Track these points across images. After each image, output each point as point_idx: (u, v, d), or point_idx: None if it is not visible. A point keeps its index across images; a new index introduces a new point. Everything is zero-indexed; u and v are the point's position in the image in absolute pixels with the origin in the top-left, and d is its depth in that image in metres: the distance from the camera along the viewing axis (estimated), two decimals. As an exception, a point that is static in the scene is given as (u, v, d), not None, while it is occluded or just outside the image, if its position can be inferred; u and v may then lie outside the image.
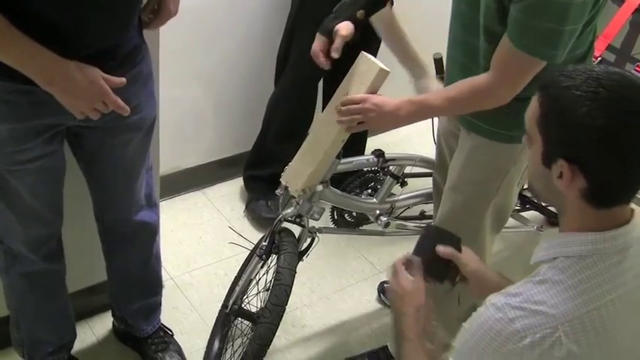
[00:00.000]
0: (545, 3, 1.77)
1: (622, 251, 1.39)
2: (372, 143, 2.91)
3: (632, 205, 1.44)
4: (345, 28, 2.08)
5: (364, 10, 2.12)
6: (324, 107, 3.05)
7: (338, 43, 2.06)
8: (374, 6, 2.18)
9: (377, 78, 2.01)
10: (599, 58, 2.76)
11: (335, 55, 2.06)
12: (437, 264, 1.78)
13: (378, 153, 2.61)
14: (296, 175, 2.24)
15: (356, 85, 2.05)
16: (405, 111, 2.05)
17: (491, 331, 1.37)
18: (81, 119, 1.89)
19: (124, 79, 1.87)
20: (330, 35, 2.09)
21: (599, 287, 1.36)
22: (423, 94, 2.15)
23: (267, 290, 2.33)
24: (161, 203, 2.79)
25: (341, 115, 2.08)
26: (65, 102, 1.81)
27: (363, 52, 2.08)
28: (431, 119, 2.59)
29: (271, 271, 2.40)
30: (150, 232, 2.41)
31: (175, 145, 3.05)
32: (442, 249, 1.77)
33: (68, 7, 1.72)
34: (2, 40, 1.69)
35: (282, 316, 2.29)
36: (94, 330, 2.71)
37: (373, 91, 2.03)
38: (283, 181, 2.29)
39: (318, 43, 2.11)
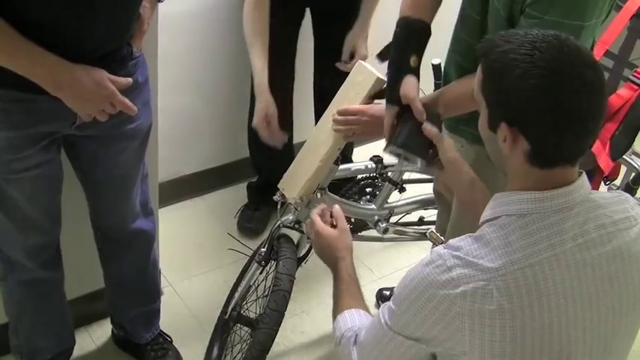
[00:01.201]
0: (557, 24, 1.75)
1: (562, 211, 1.42)
2: (370, 149, 2.90)
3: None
4: (411, 89, 1.88)
5: (417, 56, 1.93)
6: (317, 118, 3.06)
7: (417, 109, 1.86)
8: (423, 45, 1.97)
9: (373, 87, 2.01)
10: (596, 64, 2.77)
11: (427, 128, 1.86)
12: (419, 139, 1.83)
13: (377, 159, 2.62)
14: (293, 182, 2.24)
15: (353, 94, 2.06)
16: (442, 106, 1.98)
17: (429, 276, 1.42)
18: (78, 127, 1.91)
19: (130, 80, 1.89)
20: (400, 103, 1.90)
21: (535, 245, 1.39)
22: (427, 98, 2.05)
23: (266, 296, 2.34)
24: (160, 210, 2.79)
25: (338, 125, 2.08)
26: (74, 106, 1.82)
27: (360, 61, 2.09)
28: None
29: (270, 277, 2.40)
30: (146, 240, 2.42)
31: (174, 152, 3.06)
32: (429, 127, 1.81)
33: (70, 14, 1.73)
34: (10, 48, 1.70)
35: (281, 321, 2.29)
36: (94, 337, 2.71)
37: (370, 99, 2.03)
38: (281, 187, 2.29)
39: (389, 116, 1.92)
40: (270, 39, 2.54)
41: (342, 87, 2.12)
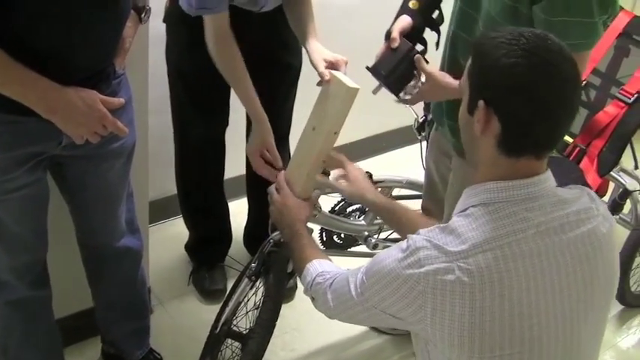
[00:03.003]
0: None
1: (525, 201, 1.47)
2: (362, 164, 2.90)
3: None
4: (398, 24, 2.17)
5: (416, 0, 2.19)
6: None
7: (395, 34, 2.14)
8: None
9: (345, 98, 2.01)
10: (584, 82, 2.79)
11: (393, 43, 2.15)
12: (397, 70, 2.13)
13: (367, 175, 2.62)
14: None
15: (327, 105, 2.06)
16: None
17: (397, 256, 1.50)
18: (64, 148, 1.93)
19: (122, 100, 1.91)
20: (388, 38, 2.17)
21: (497, 230, 1.44)
22: None
23: (257, 308, 2.33)
24: (150, 228, 2.80)
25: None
26: (66, 129, 1.83)
27: (331, 71, 2.10)
28: (419, 143, 2.61)
29: (260, 292, 2.40)
30: (133, 258, 2.41)
31: (164, 170, 3.06)
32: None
33: (57, 35, 1.74)
34: (3, 73, 1.70)
35: (272, 331, 2.29)
36: (84, 355, 2.70)
37: (344, 110, 2.03)
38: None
39: (383, 46, 2.18)
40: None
41: (317, 99, 2.12)
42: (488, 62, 1.44)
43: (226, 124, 2.89)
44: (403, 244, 1.51)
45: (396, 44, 2.16)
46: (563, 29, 1.82)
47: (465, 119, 1.53)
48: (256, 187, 3.11)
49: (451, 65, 2.18)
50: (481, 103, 1.45)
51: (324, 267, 1.80)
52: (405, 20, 2.21)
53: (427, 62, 2.21)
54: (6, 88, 1.72)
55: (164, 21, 2.63)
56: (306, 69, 2.76)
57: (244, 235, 3.30)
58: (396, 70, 2.17)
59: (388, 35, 2.19)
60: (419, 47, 2.23)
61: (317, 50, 2.41)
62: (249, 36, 2.57)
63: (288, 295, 3.05)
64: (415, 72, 2.17)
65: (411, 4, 2.22)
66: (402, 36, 2.17)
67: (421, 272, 1.45)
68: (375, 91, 2.21)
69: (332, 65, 2.45)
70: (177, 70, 2.62)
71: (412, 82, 2.18)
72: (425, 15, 2.25)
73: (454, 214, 1.55)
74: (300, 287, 3.00)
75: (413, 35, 2.21)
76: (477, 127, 1.47)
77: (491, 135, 1.46)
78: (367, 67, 2.22)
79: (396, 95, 2.21)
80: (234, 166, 3.14)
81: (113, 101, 1.87)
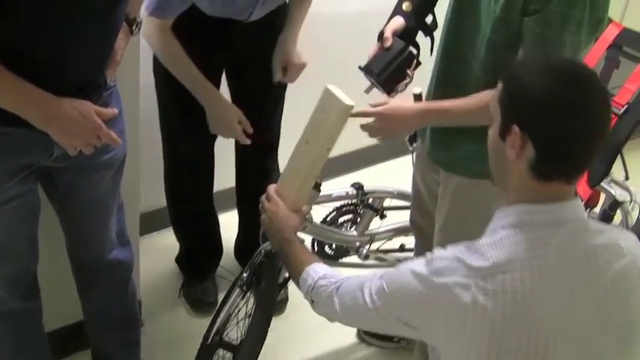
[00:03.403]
0: (560, 15, 1.80)
1: (551, 226, 1.46)
2: (353, 175, 2.92)
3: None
4: (390, 25, 2.21)
5: (409, 2, 2.23)
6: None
7: (387, 34, 2.19)
8: None
9: (340, 114, 2.01)
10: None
11: (385, 42, 2.19)
12: (387, 70, 2.17)
13: (358, 186, 2.63)
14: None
15: (321, 121, 2.06)
16: (425, 121, 2.12)
17: (419, 264, 1.52)
18: (55, 159, 1.92)
19: (115, 110, 1.92)
20: (381, 39, 2.22)
21: (519, 253, 1.44)
22: (440, 102, 2.12)
23: (249, 317, 2.33)
24: (141, 240, 2.79)
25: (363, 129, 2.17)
26: (61, 140, 1.83)
27: (326, 85, 2.10)
28: (411, 155, 2.62)
29: (251, 302, 2.40)
30: (124, 270, 2.41)
31: (155, 182, 3.05)
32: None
33: (50, 46, 1.74)
34: (1, 86, 1.70)
35: (264, 339, 2.28)
36: (74, 368, 2.69)
37: (338, 127, 2.03)
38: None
39: (377, 45, 2.22)
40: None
41: (312, 113, 2.12)
42: (521, 88, 1.44)
43: (215, 135, 2.89)
44: (428, 255, 1.53)
45: (388, 43, 2.19)
46: (553, 45, 1.83)
47: (496, 144, 1.52)
48: (246, 199, 3.14)
49: (440, 79, 2.19)
50: (515, 128, 1.44)
51: (325, 270, 1.80)
52: (398, 21, 2.23)
53: (420, 64, 2.24)
54: (2, 99, 1.72)
55: None
56: (299, 81, 2.78)
57: (235, 247, 3.29)
58: (387, 69, 2.19)
59: (381, 36, 2.21)
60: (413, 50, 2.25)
61: (282, 49, 2.62)
62: (237, 45, 2.59)
63: (279, 308, 3.05)
64: (408, 71, 2.18)
65: (404, 6, 2.24)
66: (395, 36, 2.20)
67: (439, 282, 1.46)
68: (367, 91, 2.22)
69: (284, 69, 2.63)
70: (165, 80, 2.63)
71: (405, 81, 2.20)
72: (418, 18, 2.26)
73: (484, 235, 1.54)
74: (292, 300, 3.03)
75: (405, 36, 2.22)
76: (510, 153, 1.46)
77: (524, 159, 1.46)
78: (360, 67, 2.24)
79: (388, 94, 2.21)
80: (224, 178, 3.14)
81: (107, 112, 1.88)
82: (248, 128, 2.59)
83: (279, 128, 3.00)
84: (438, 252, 1.52)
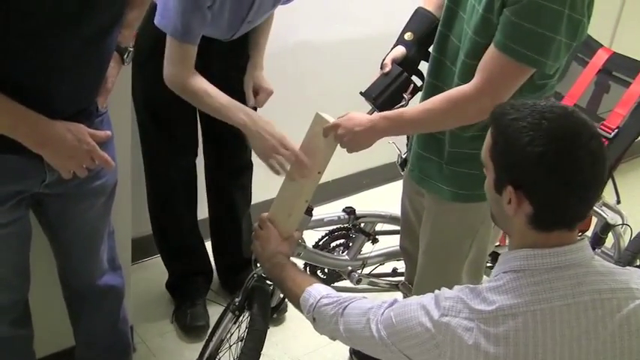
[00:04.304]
0: (538, 6, 1.79)
1: (554, 270, 1.46)
2: (345, 201, 2.92)
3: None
4: (390, 55, 2.31)
5: (411, 32, 2.30)
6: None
7: (387, 61, 2.29)
8: (420, 26, 2.33)
9: (331, 139, 2.04)
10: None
11: (384, 68, 2.29)
12: (385, 94, 2.27)
13: (349, 210, 2.64)
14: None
15: (314, 145, 2.08)
16: (380, 127, 2.07)
17: (425, 301, 1.54)
18: (47, 185, 1.92)
19: (109, 133, 1.92)
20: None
21: (522, 297, 1.44)
22: (399, 110, 2.16)
23: (242, 341, 2.31)
24: (133, 266, 2.78)
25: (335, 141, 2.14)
26: (55, 162, 1.83)
27: (317, 112, 2.11)
28: (403, 178, 2.62)
29: (244, 326, 2.38)
30: (115, 296, 2.39)
31: (146, 208, 3.05)
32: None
33: (41, 75, 1.74)
34: None
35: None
36: (64, 395, 2.66)
37: (329, 151, 2.06)
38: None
39: (379, 73, 2.32)
40: None
41: (303, 138, 2.13)
42: (514, 150, 1.44)
43: (195, 154, 2.90)
44: (436, 291, 1.55)
45: (387, 69, 2.27)
46: (526, 36, 1.82)
47: (493, 196, 1.53)
48: (216, 232, 3.22)
49: (430, 79, 2.19)
50: (510, 188, 1.46)
51: (326, 290, 1.81)
52: (399, 50, 2.31)
53: (419, 90, 2.28)
54: None
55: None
56: (291, 111, 2.79)
57: (219, 275, 3.31)
58: (384, 93, 2.27)
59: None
60: (417, 81, 2.33)
61: (251, 74, 2.70)
62: (215, 66, 2.61)
63: (279, 317, 3.10)
64: (404, 95, 2.24)
65: (406, 36, 2.31)
66: (395, 63, 2.28)
67: (442, 322, 1.47)
68: (369, 113, 2.25)
69: (255, 93, 2.68)
70: (145, 105, 2.63)
71: (401, 104, 2.27)
72: (420, 47, 2.31)
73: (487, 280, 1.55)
74: (284, 326, 3.02)
75: (405, 64, 2.30)
76: (507, 208, 1.48)
77: (522, 214, 1.47)
78: (360, 92, 2.32)
79: None
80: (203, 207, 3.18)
81: (100, 134, 1.88)
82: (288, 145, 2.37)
83: (250, 150, 2.99)
84: (444, 291, 1.54)
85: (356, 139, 2.07)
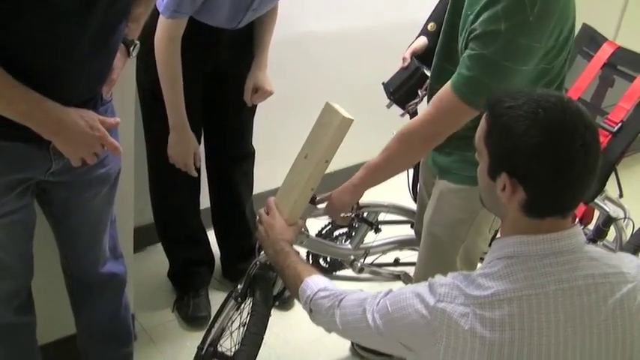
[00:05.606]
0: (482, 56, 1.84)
1: (548, 256, 1.47)
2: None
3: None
4: (412, 46, 2.38)
5: (434, 23, 2.35)
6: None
7: (406, 54, 2.34)
8: (442, 17, 2.29)
9: (340, 127, 2.03)
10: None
11: (404, 62, 2.36)
12: (402, 86, 2.35)
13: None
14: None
15: (321, 135, 2.08)
16: (357, 179, 2.18)
17: (421, 289, 1.54)
18: (52, 173, 1.92)
19: (118, 119, 1.93)
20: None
21: (516, 283, 1.45)
22: (361, 172, 2.21)
23: (244, 326, 2.32)
24: (135, 255, 2.78)
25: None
26: (67, 149, 1.83)
27: (327, 101, 2.12)
28: (406, 170, 2.63)
29: (246, 312, 2.39)
30: (117, 284, 2.39)
31: (149, 197, 3.05)
32: None
33: (51, 66, 1.75)
34: (9, 93, 1.70)
35: (259, 345, 2.26)
36: (66, 382, 2.67)
37: (337, 140, 2.06)
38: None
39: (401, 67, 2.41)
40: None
41: (312, 128, 2.14)
42: (510, 140, 1.45)
43: (198, 142, 2.91)
44: (430, 279, 1.55)
45: (405, 64, 2.33)
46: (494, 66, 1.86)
47: (486, 181, 1.54)
48: (220, 220, 3.23)
49: (436, 75, 2.20)
50: (505, 175, 1.46)
51: (325, 282, 1.82)
52: (420, 41, 2.37)
53: None
54: (12, 108, 1.71)
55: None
56: (299, 101, 2.80)
57: (221, 265, 3.32)
58: (401, 88, 2.33)
59: None
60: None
61: (254, 73, 2.73)
62: (221, 55, 2.66)
63: (288, 303, 3.13)
64: (419, 91, 2.22)
65: (429, 27, 2.35)
66: (415, 56, 2.30)
67: (438, 308, 1.48)
68: (388, 106, 2.32)
69: (255, 91, 2.73)
70: (152, 91, 2.64)
71: (415, 101, 2.31)
72: None
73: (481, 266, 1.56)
74: (285, 316, 3.02)
75: (426, 56, 2.32)
76: (501, 195, 1.48)
77: (516, 201, 1.48)
78: (382, 83, 2.40)
79: (403, 109, 2.36)
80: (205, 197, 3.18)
81: (110, 121, 1.89)
82: (197, 162, 2.71)
83: (251, 137, 3.05)
84: (438, 278, 1.54)
85: (343, 206, 2.24)
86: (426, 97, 2.30)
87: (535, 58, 1.87)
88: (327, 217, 2.28)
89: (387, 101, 2.39)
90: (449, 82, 1.93)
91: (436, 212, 2.30)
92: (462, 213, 2.24)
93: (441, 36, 2.15)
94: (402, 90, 2.29)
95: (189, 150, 2.65)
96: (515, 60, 1.84)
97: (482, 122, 1.53)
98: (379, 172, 2.16)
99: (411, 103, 2.28)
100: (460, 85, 1.90)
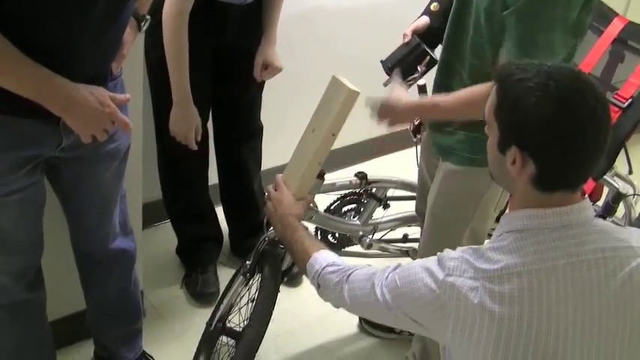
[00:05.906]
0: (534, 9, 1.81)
1: (557, 230, 1.46)
2: (356, 168, 2.90)
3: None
4: (414, 24, 2.35)
5: (438, 3, 2.33)
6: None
7: (407, 31, 2.34)
8: None
9: (346, 100, 2.03)
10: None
11: (405, 38, 2.36)
12: (404, 61, 2.33)
13: (361, 175, 2.64)
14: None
15: (328, 108, 2.07)
16: (410, 114, 2.24)
17: (429, 263, 1.55)
18: (62, 149, 1.92)
19: (128, 96, 1.93)
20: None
21: (526, 256, 1.45)
22: (431, 97, 2.21)
23: (252, 302, 2.33)
24: (144, 231, 2.79)
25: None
26: (77, 126, 1.83)
27: (334, 75, 2.11)
28: (415, 145, 2.63)
29: (254, 288, 2.40)
30: (127, 260, 2.40)
31: (157, 174, 3.05)
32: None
33: (62, 40, 1.74)
34: (19, 70, 1.70)
35: (268, 322, 2.28)
36: (76, 358, 2.68)
37: (344, 112, 2.05)
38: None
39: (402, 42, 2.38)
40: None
41: (319, 102, 2.13)
42: (520, 111, 1.43)
43: (207, 118, 2.90)
44: (439, 254, 1.55)
45: (406, 40, 2.31)
46: (528, 43, 1.85)
47: (495, 155, 1.53)
48: (228, 196, 3.23)
49: (443, 69, 2.21)
50: (515, 148, 1.45)
51: (333, 258, 1.81)
52: (422, 20, 2.34)
53: (436, 62, 2.28)
54: (22, 85, 1.72)
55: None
56: (307, 76, 2.78)
57: (230, 242, 3.32)
58: (400, 63, 2.31)
59: None
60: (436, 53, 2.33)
61: (264, 49, 2.74)
62: (230, 31, 2.67)
63: (296, 279, 3.14)
64: (418, 67, 2.26)
65: (432, 7, 2.32)
66: (416, 34, 2.30)
67: (448, 282, 1.48)
68: (385, 84, 2.31)
69: (265, 67, 2.74)
70: (160, 66, 2.64)
71: (414, 76, 2.30)
72: (445, 19, 2.29)
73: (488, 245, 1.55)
74: (294, 292, 3.03)
75: (427, 36, 2.32)
76: (511, 169, 1.47)
77: (526, 175, 1.47)
78: (380, 60, 2.36)
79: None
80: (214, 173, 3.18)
81: (120, 97, 1.89)
82: (198, 136, 2.69)
83: (260, 113, 3.05)
84: (447, 252, 1.54)
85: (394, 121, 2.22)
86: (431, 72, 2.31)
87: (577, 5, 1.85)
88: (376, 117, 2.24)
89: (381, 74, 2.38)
90: (505, 55, 1.92)
91: (440, 194, 2.29)
92: (466, 195, 2.24)
93: (447, 29, 2.14)
94: (402, 65, 2.29)
95: (191, 126, 2.65)
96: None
97: (492, 95, 1.51)
98: (452, 111, 2.14)
99: (409, 78, 2.27)
100: (514, 50, 1.88)
